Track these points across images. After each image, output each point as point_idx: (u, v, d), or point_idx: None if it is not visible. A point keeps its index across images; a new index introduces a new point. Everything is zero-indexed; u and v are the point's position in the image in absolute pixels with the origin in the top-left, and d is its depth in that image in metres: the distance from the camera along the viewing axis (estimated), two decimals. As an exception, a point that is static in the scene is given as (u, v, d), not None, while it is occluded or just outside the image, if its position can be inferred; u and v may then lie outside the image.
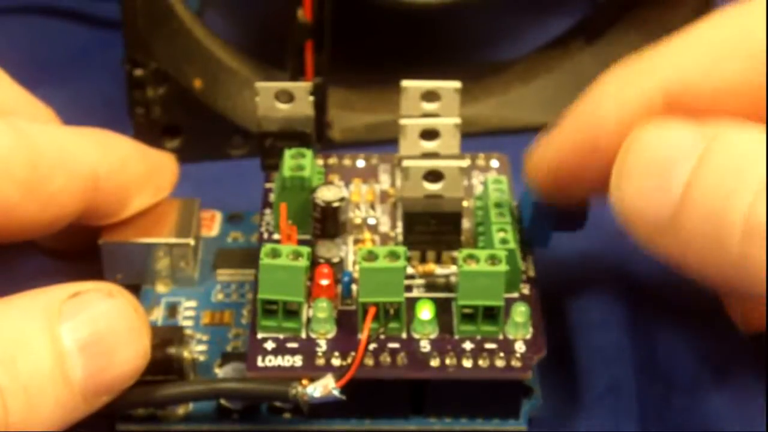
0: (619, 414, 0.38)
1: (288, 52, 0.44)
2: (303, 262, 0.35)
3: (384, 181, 0.41)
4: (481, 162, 0.42)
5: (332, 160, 0.42)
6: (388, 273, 0.34)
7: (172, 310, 0.40)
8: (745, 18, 0.34)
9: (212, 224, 0.43)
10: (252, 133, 0.46)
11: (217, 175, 0.46)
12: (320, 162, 0.41)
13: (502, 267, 0.34)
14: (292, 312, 0.35)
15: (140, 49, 0.44)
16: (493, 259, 0.34)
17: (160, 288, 0.41)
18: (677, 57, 0.35)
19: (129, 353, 0.33)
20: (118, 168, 0.39)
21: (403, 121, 0.38)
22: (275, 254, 0.35)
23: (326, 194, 0.37)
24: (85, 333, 0.32)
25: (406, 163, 0.36)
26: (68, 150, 0.37)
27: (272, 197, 0.39)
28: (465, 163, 0.36)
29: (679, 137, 0.32)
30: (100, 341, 0.33)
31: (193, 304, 0.40)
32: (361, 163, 0.42)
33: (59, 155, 0.37)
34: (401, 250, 0.34)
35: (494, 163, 0.42)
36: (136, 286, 0.41)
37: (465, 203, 0.39)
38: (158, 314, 0.40)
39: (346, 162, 0.42)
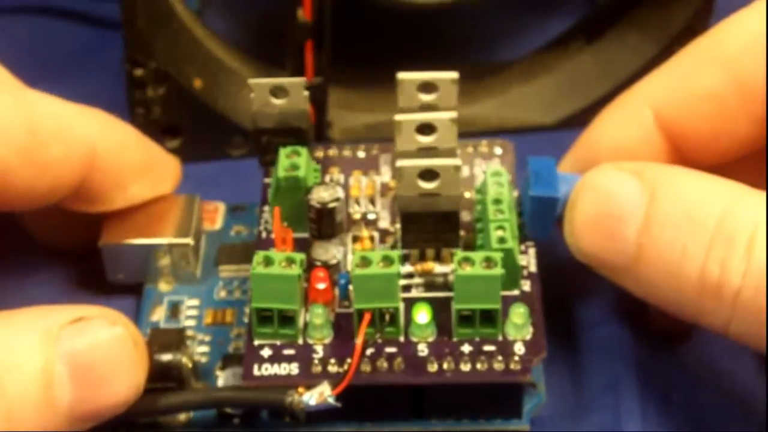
0: (620, 412, 0.38)
1: (288, 52, 0.44)
2: (296, 270, 0.34)
3: (385, 173, 0.40)
4: (484, 149, 0.41)
5: (332, 152, 0.41)
6: (382, 279, 0.34)
7: (175, 309, 0.40)
8: (713, 35, 0.38)
9: (215, 216, 0.43)
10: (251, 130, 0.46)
11: (217, 175, 0.46)
12: (320, 154, 0.41)
13: (497, 271, 0.34)
14: (288, 318, 0.35)
15: (140, 49, 0.44)
16: (488, 262, 0.34)
17: (163, 286, 0.41)
18: (660, 78, 0.38)
19: (121, 386, 0.33)
20: (117, 149, 0.39)
21: (398, 117, 0.37)
22: (268, 262, 0.34)
23: (322, 194, 0.37)
24: (79, 360, 0.32)
25: (399, 163, 0.36)
26: (68, 122, 0.37)
27: (269, 196, 0.39)
28: (460, 161, 0.36)
29: (620, 188, 0.34)
30: (93, 370, 0.33)
31: (195, 302, 0.40)
32: (361, 155, 0.41)
33: (58, 124, 0.37)
34: (395, 254, 0.34)
35: (497, 151, 0.41)
36: (139, 284, 0.41)
37: (467, 194, 0.39)
38: (161, 314, 0.40)
39: (346, 153, 0.41)
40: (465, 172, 0.40)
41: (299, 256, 0.34)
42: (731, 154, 0.38)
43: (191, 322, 0.40)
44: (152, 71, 0.45)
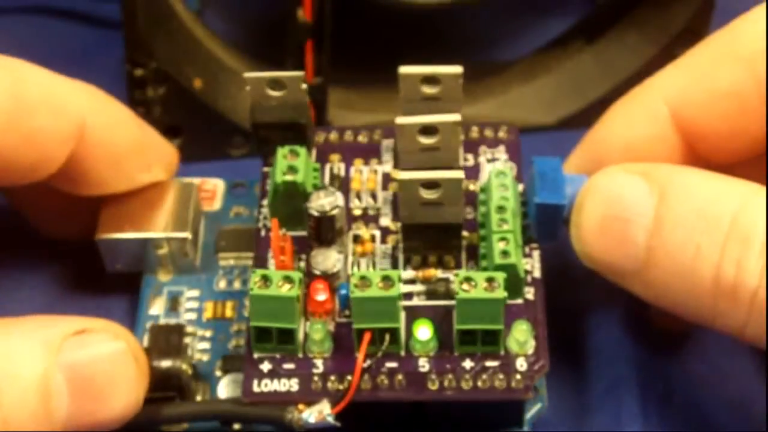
0: (622, 413, 0.38)
1: (288, 52, 0.44)
2: (294, 292, 0.34)
3: (387, 161, 0.40)
4: (489, 134, 0.40)
5: (333, 135, 0.40)
6: (382, 302, 0.33)
7: (174, 302, 0.40)
8: (732, 31, 0.36)
9: (215, 195, 0.43)
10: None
11: (217, 175, 0.46)
12: (320, 138, 0.40)
13: (500, 293, 0.33)
14: (287, 333, 0.34)
15: (140, 49, 0.44)
16: (490, 283, 0.33)
17: (162, 276, 0.40)
18: (675, 74, 0.37)
19: (119, 401, 0.33)
20: (108, 124, 0.38)
21: (399, 120, 0.36)
22: (265, 281, 0.34)
23: (321, 203, 0.36)
24: (79, 372, 0.32)
25: (401, 175, 0.35)
26: (55, 90, 0.37)
27: (268, 197, 0.38)
28: (462, 173, 0.35)
29: (628, 190, 0.33)
30: (92, 384, 0.32)
31: (195, 293, 0.40)
32: (363, 139, 0.40)
33: (45, 92, 0.36)
34: (395, 274, 0.33)
35: (502, 136, 0.40)
36: (138, 273, 0.41)
37: (471, 186, 0.38)
38: (160, 307, 0.40)
39: (347, 137, 0.40)
40: (469, 161, 0.39)
41: (297, 275, 0.34)
42: (744, 154, 0.37)
43: (191, 316, 0.40)
44: (152, 71, 0.45)
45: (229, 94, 0.46)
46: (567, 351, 0.40)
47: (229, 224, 0.42)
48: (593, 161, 0.37)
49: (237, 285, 0.40)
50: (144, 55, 0.44)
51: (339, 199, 0.36)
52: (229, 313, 0.40)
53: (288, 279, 0.34)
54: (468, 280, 0.33)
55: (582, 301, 0.41)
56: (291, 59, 0.44)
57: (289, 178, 0.37)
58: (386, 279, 0.33)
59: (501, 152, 0.40)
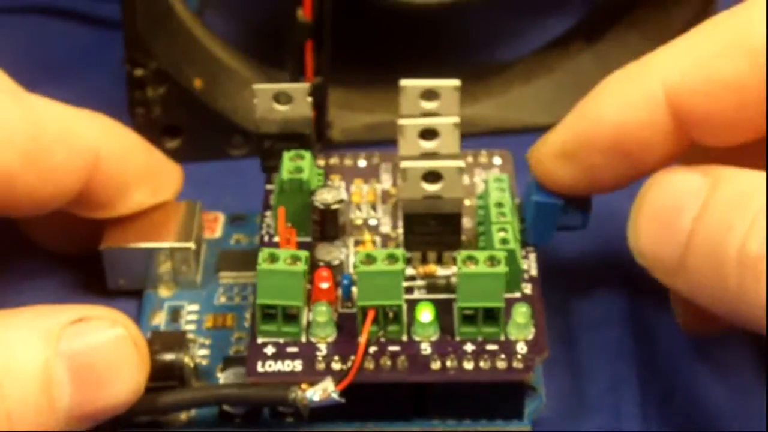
0: (621, 413, 0.38)
1: (288, 52, 0.44)
2: (301, 267, 0.34)
3: (385, 181, 0.41)
4: (483, 159, 0.41)
5: (333, 160, 0.42)
6: (387, 276, 0.34)
7: (175, 314, 0.40)
8: (741, 18, 0.35)
9: (215, 226, 0.43)
10: (252, 133, 0.46)
11: (218, 176, 0.46)
12: (321, 162, 0.41)
13: (502, 268, 0.34)
14: (291, 316, 0.35)
15: (140, 49, 0.44)
16: (492, 261, 0.34)
17: (163, 292, 0.41)
18: (676, 56, 0.36)
19: (120, 388, 0.33)
20: (119, 153, 0.38)
21: (401, 122, 0.37)
22: (273, 259, 0.34)
23: (325, 196, 0.37)
24: (79, 361, 0.32)
25: (403, 164, 0.36)
26: (71, 126, 0.37)
27: (272, 199, 0.39)
28: (463, 163, 0.36)
29: (686, 183, 0.33)
30: (93, 371, 0.33)
31: (195, 307, 0.40)
32: (362, 163, 0.42)
33: (61, 129, 0.37)
34: (400, 252, 0.34)
35: (497, 161, 0.41)
36: (139, 291, 0.41)
37: (467, 202, 0.39)
38: (161, 319, 0.40)
39: (348, 162, 0.42)
40: (465, 180, 0.40)
41: (304, 254, 0.35)
42: (742, 141, 0.36)
43: (192, 327, 0.40)
44: (152, 71, 0.45)
45: (229, 94, 0.46)
46: (566, 351, 0.40)
47: (230, 249, 0.42)
48: (579, 137, 0.36)
49: (237, 300, 0.41)
50: (144, 55, 0.44)
51: (343, 193, 0.37)
52: (229, 322, 0.40)
53: (295, 257, 0.34)
54: (470, 258, 0.34)
55: (580, 302, 0.41)
56: (291, 59, 0.44)
57: (295, 175, 0.37)
58: (391, 257, 0.34)
59: (494, 174, 0.40)
